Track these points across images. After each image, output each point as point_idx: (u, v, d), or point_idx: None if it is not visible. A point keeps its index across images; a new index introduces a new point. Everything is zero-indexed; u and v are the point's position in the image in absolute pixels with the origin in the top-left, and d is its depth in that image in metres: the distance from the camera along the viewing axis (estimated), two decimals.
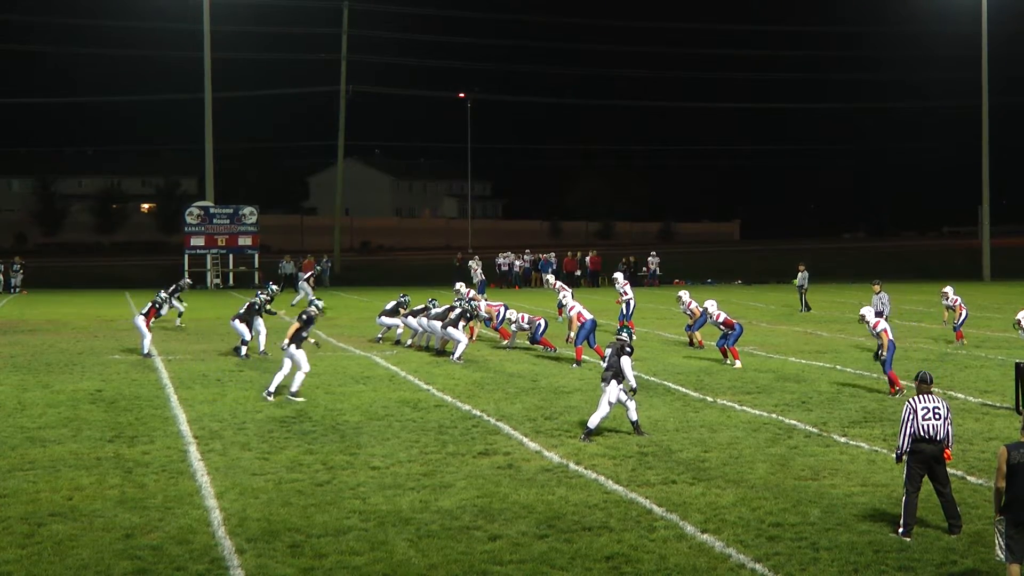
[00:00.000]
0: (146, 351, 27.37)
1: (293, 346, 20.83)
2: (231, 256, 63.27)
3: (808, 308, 41.40)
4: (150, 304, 27.92)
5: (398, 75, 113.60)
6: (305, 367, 20.92)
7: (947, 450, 12.06)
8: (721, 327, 25.89)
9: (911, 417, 12.00)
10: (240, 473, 14.88)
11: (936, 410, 12.02)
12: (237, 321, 27.51)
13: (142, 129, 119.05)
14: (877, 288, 28.84)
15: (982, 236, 68.16)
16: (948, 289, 30.29)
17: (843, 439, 17.01)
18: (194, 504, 13.33)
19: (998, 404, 19.95)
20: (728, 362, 25.56)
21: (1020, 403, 19.03)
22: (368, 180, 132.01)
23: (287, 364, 21.11)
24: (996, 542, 10.07)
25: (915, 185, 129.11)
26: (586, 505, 13.22)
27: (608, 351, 17.34)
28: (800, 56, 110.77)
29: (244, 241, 62.95)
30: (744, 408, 19.76)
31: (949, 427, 12.08)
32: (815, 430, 17.73)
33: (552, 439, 17.10)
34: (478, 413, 19.33)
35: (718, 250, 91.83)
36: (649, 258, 63.33)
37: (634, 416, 17.27)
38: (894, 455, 12.44)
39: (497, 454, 16.02)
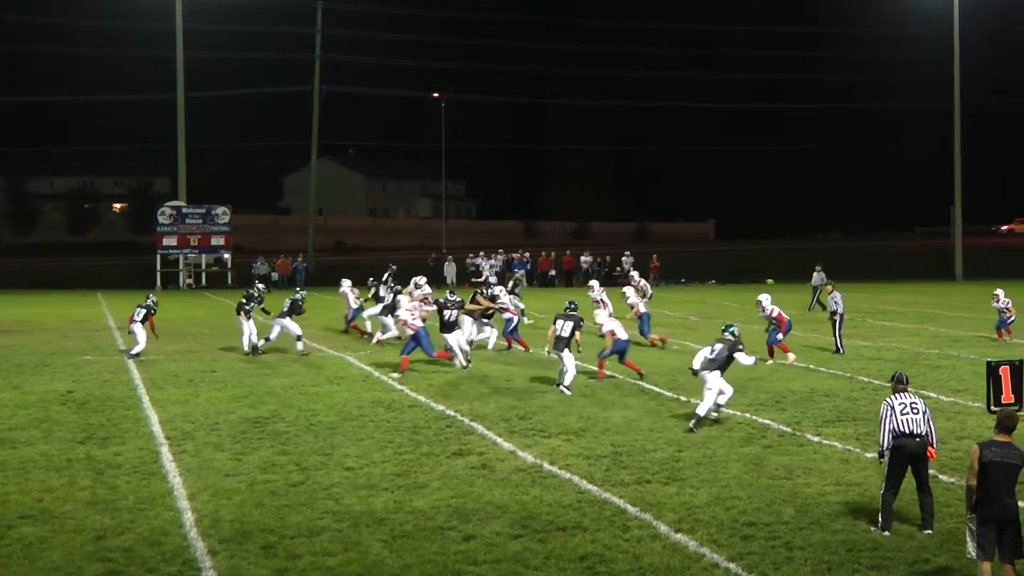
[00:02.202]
0: (134, 353, 27.04)
1: (566, 351, 21.62)
2: (203, 256, 63.04)
3: (823, 307, 41.64)
4: (144, 311, 27.53)
5: (372, 74, 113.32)
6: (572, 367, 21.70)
7: (930, 448, 12.19)
8: (773, 321, 26.10)
9: (889, 414, 12.17)
10: (213, 474, 14.82)
11: (913, 405, 12.20)
12: (241, 316, 27.81)
13: (114, 129, 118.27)
14: (830, 288, 29.19)
15: (954, 236, 68.57)
16: (999, 291, 30.48)
17: (816, 438, 17.07)
18: (166, 505, 13.27)
19: (970, 403, 20.07)
20: (772, 361, 25.64)
21: (991, 402, 19.13)
22: (342, 180, 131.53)
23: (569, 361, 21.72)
24: (968, 540, 10.13)
25: (887, 185, 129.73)
26: (560, 505, 13.23)
27: (718, 346, 18.07)
28: (773, 56, 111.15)
29: (217, 241, 62.73)
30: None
31: (930, 423, 12.22)
32: (789, 429, 17.79)
33: (526, 439, 17.10)
34: (452, 413, 19.32)
35: (693, 250, 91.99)
36: (623, 258, 63.40)
37: (703, 411, 17.75)
38: (877, 454, 12.59)
39: (471, 454, 16.02)
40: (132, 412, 19.60)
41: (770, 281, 60.05)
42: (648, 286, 35.92)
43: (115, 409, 19.86)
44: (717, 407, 18.32)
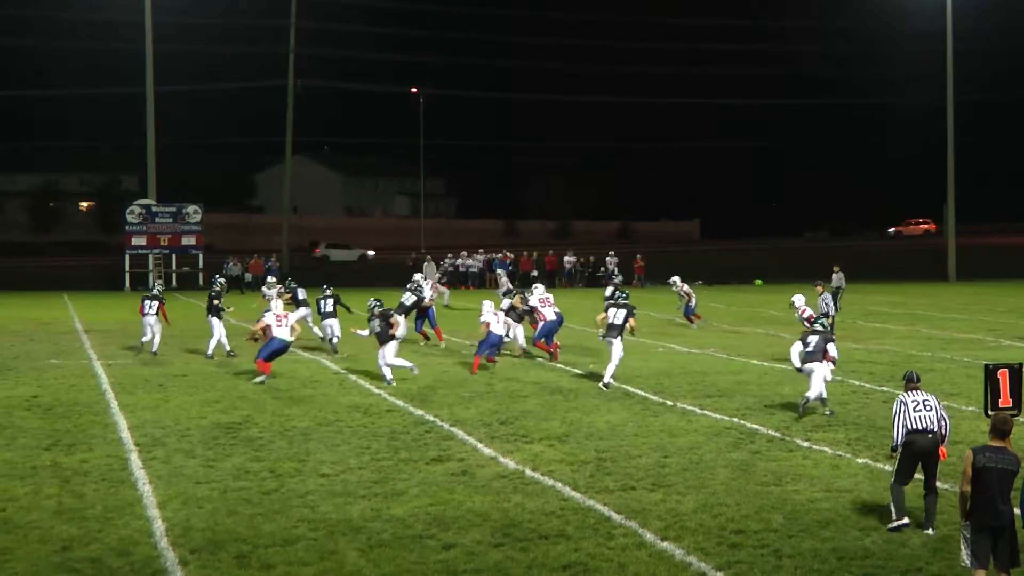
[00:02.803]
0: (155, 350, 27.65)
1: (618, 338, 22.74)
2: (174, 256, 62.84)
3: (837, 309, 41.87)
4: (157, 302, 28.13)
5: (348, 69, 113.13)
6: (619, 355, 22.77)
7: (942, 448, 12.66)
8: (805, 323, 26.16)
9: (902, 409, 12.75)
10: (184, 481, 14.77)
11: (926, 403, 12.82)
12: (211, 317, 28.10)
13: (80, 124, 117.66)
14: (820, 289, 29.30)
15: (947, 236, 68.83)
16: None
17: (806, 444, 17.11)
18: (135, 514, 13.22)
19: (964, 407, 20.13)
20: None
21: (989, 405, 19.18)
22: (317, 177, 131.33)
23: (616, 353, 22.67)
24: (961, 548, 10.16)
25: (878, 183, 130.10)
26: (543, 512, 13.23)
27: (813, 338, 19.40)
28: (760, 51, 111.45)
29: (188, 241, 62.60)
30: (705, 412, 19.84)
31: (944, 420, 12.76)
32: (777, 434, 17.83)
33: (508, 445, 17.10)
34: (431, 418, 19.30)
35: (678, 249, 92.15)
36: (607, 258, 63.43)
37: (812, 395, 19.26)
38: (890, 448, 13.06)
39: (451, 460, 16.00)
40: (100, 418, 19.51)
41: (758, 282, 60.25)
42: (691, 291, 36.05)
43: (82, 414, 19.77)
44: (822, 400, 19.51)
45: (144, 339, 28.14)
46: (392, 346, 23.45)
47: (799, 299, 26.61)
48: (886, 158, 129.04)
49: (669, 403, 20.87)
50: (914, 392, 12.91)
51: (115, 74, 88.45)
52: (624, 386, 22.85)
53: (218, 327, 27.80)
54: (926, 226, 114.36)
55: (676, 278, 37.13)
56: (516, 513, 13.21)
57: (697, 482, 14.68)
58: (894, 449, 12.85)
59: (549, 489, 14.36)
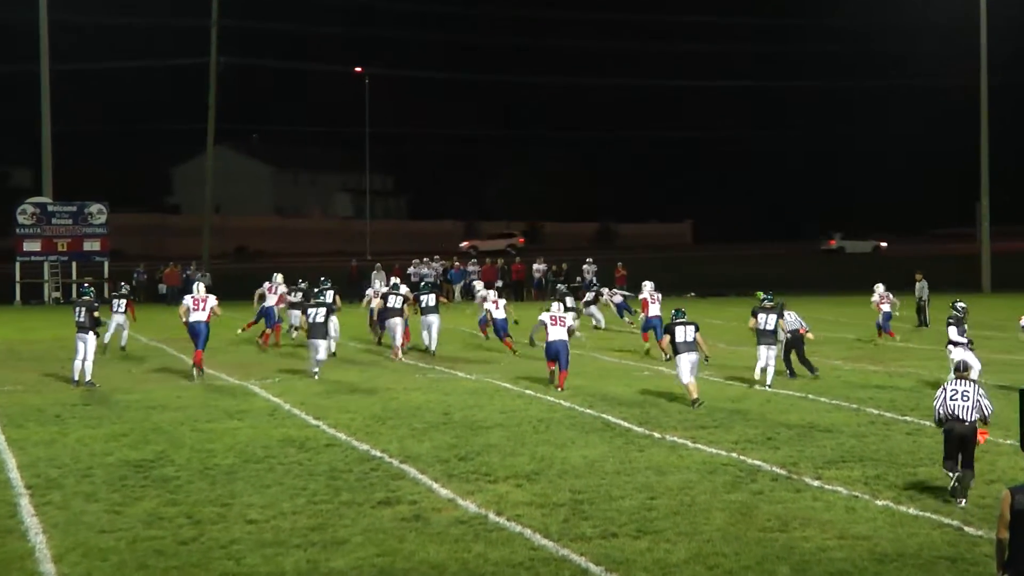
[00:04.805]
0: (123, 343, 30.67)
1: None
2: (74, 264, 62.48)
3: (926, 324, 42.28)
4: (125, 300, 32.52)
5: (281, 45, 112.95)
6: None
7: (982, 431, 15.44)
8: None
9: (941, 395, 15.80)
10: (84, 530, 14.68)
11: (965, 393, 15.68)
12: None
13: None
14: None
15: (980, 240, 69.24)
16: None
17: (816, 483, 17.17)
18: (25, 570, 13.13)
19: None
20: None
21: None
22: (244, 171, 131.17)
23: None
24: None
25: (898, 180, 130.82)
26: (509, 564, 13.22)
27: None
28: (765, 25, 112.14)
29: (91, 245, 62.31)
30: (698, 446, 19.88)
31: (983, 404, 15.61)
32: (783, 472, 17.88)
33: (468, 484, 17.09)
34: (378, 454, 19.28)
35: (667, 256, 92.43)
36: (584, 266, 63.52)
37: None
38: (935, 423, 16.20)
39: (401, 503, 15.98)
40: None
41: (760, 294, 60.34)
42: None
43: None
44: None
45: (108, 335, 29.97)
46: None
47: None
48: (911, 151, 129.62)
49: (656, 435, 20.90)
50: (959, 382, 15.86)
51: (3, 49, 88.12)
52: (603, 415, 22.87)
53: (91, 345, 27.28)
54: (510, 240, 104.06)
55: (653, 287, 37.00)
56: (477, 565, 13.20)
57: (689, 528, 14.70)
58: (937, 424, 15.92)
59: (516, 536, 14.35)
